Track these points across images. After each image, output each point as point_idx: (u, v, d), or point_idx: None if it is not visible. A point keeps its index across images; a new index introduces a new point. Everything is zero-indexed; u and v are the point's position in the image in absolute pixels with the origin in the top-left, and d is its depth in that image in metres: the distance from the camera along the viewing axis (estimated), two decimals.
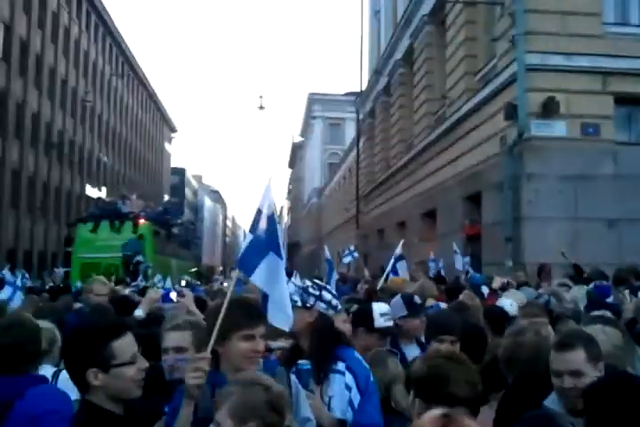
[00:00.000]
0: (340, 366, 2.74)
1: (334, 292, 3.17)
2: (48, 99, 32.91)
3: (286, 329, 2.67)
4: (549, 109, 10.37)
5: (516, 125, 10.59)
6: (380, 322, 3.34)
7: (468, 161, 12.99)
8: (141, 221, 15.72)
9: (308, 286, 2.99)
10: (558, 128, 10.54)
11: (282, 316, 2.53)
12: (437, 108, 16.26)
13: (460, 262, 9.71)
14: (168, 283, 9.66)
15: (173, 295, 4.79)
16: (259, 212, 2.46)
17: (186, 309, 4.26)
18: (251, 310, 2.29)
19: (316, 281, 3.22)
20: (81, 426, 1.96)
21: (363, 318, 3.41)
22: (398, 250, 7.53)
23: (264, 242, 2.42)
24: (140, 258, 12.76)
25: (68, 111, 35.90)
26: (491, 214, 11.69)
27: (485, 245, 12.01)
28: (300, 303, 2.85)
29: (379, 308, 3.43)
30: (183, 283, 11.99)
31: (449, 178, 14.25)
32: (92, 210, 17.90)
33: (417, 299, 3.91)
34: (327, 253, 8.55)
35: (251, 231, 2.45)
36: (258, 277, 2.44)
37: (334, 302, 3.01)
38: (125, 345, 2.01)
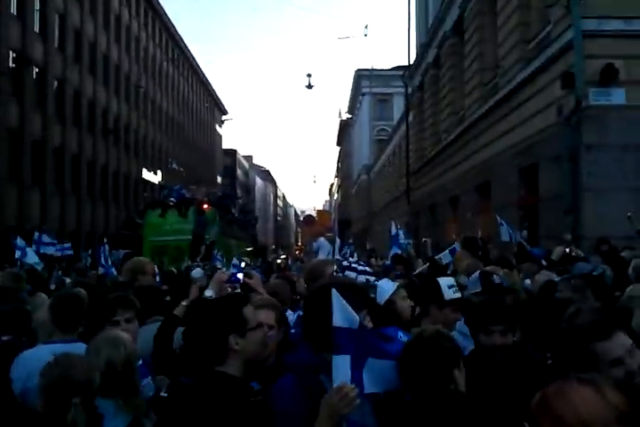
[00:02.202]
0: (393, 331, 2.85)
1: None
2: (103, 85, 33.76)
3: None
4: (608, 77, 10.00)
5: (573, 94, 10.27)
6: (449, 294, 3.25)
7: (523, 132, 12.70)
8: (205, 206, 16.46)
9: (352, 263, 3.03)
10: (617, 96, 10.16)
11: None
12: (489, 78, 15.89)
13: (506, 234, 9.27)
14: (235, 262, 9.91)
15: (241, 276, 4.92)
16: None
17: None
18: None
19: (356, 260, 3.34)
20: (220, 398, 2.07)
21: (431, 294, 3.31)
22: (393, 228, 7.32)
23: None
24: (211, 239, 13.48)
25: (123, 97, 36.75)
26: (548, 187, 11.45)
27: (543, 218, 11.79)
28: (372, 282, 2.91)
29: (444, 281, 3.35)
30: (243, 264, 12.35)
31: (503, 150, 13.98)
32: (158, 196, 18.91)
33: (496, 278, 3.89)
34: (393, 228, 8.50)
35: None
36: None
37: (372, 278, 3.12)
38: (251, 312, 2.30)
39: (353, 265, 4.14)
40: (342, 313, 2.05)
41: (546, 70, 11.56)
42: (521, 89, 12.82)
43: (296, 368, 2.26)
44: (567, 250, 6.88)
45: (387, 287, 3.46)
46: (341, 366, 2.02)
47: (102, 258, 7.80)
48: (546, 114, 11.45)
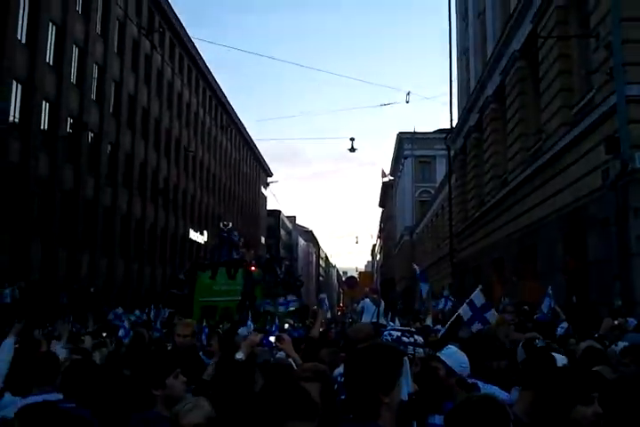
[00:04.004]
0: (438, 419, 2.64)
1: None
2: (154, 149, 35.21)
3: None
4: None
5: (618, 158, 10.21)
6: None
7: (569, 196, 12.57)
8: (253, 268, 16.78)
9: (399, 337, 2.88)
10: None
11: None
12: (532, 143, 15.95)
13: (547, 306, 8.74)
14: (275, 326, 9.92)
15: (273, 339, 4.92)
16: None
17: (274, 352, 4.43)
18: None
19: (402, 328, 3.24)
20: None
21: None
22: (479, 298, 6.11)
23: None
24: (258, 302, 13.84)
25: (173, 160, 38.20)
26: (596, 252, 11.20)
27: (592, 284, 11.47)
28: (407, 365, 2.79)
29: None
30: (286, 326, 12.35)
31: (548, 214, 13.82)
32: (204, 256, 19.60)
33: (539, 342, 3.86)
34: (480, 299, 6.36)
35: None
36: None
37: (421, 341, 3.00)
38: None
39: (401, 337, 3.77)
40: (407, 382, 2.01)
41: (590, 135, 11.56)
42: (565, 153, 12.81)
43: None
44: (616, 322, 6.62)
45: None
46: None
47: (158, 322, 7.99)
48: (591, 178, 11.37)
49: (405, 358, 2.29)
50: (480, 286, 6.77)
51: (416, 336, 2.94)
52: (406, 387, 1.95)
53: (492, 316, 5.99)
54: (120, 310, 12.98)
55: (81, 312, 14.77)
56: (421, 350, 2.88)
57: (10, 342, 4.79)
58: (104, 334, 9.50)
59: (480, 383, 3.26)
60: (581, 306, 10.86)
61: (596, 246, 11.23)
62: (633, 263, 9.88)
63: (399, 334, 2.89)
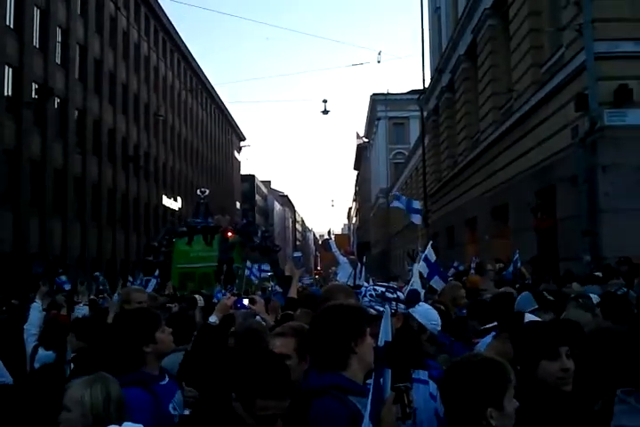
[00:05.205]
0: (422, 374, 2.66)
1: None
2: (122, 114, 34.44)
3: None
4: (622, 98, 10.03)
5: (587, 116, 10.29)
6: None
7: (539, 155, 12.70)
8: (229, 233, 16.80)
9: (383, 292, 2.88)
10: (633, 116, 10.16)
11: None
12: (504, 102, 15.97)
13: (513, 267, 9.37)
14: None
15: (246, 302, 4.98)
16: None
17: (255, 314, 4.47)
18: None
19: (386, 284, 3.27)
20: None
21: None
22: (431, 254, 6.32)
23: None
24: (237, 264, 13.91)
25: (142, 125, 37.44)
26: (565, 208, 11.40)
27: (561, 240, 11.71)
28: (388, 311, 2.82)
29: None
30: (269, 290, 12.48)
31: (519, 173, 13.97)
32: (179, 223, 19.62)
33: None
34: (432, 255, 6.54)
35: None
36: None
37: (403, 297, 3.03)
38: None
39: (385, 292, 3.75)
40: (386, 330, 2.03)
41: (559, 93, 11.61)
42: (535, 112, 12.87)
43: (324, 391, 2.14)
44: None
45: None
46: (387, 382, 2.01)
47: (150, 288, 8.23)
48: (561, 136, 11.47)
49: (386, 307, 2.34)
50: (431, 242, 7.34)
51: (399, 293, 2.98)
52: (384, 335, 2.00)
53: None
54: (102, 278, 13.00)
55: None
56: (403, 306, 2.92)
57: (38, 304, 5.50)
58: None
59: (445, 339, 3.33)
60: (547, 261, 11.14)
61: (565, 203, 11.43)
62: (601, 219, 10.08)
63: (383, 289, 2.92)
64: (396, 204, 9.83)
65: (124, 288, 6.24)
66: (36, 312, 5.44)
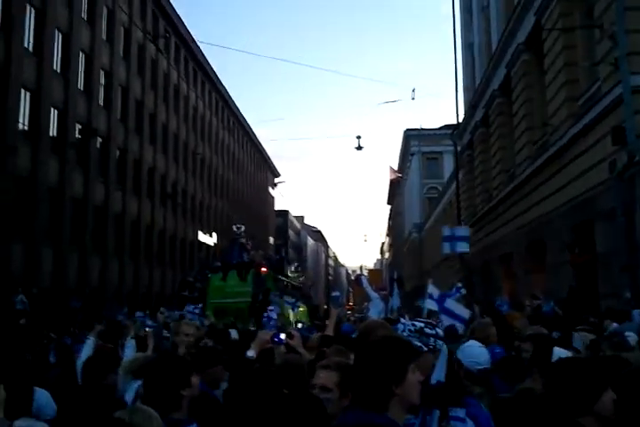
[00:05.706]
0: (460, 412, 2.61)
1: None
2: (162, 153, 35.35)
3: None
4: None
5: (625, 149, 10.17)
6: None
7: (576, 189, 12.53)
8: (263, 269, 16.93)
9: (422, 328, 2.87)
10: None
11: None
12: (539, 136, 15.90)
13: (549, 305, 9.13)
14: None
15: (283, 336, 4.98)
16: None
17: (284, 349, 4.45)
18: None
19: (426, 320, 3.24)
20: None
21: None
22: (434, 291, 6.41)
23: None
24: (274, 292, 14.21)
25: (181, 163, 38.33)
26: (604, 243, 11.16)
27: (600, 275, 11.43)
28: (425, 348, 2.72)
29: None
30: (299, 325, 12.43)
31: (556, 207, 13.78)
32: (219, 261, 19.86)
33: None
34: (435, 291, 6.71)
35: None
36: None
37: (441, 334, 2.99)
38: None
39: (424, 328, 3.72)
40: (440, 370, 2.00)
41: (596, 126, 11.52)
42: (571, 146, 12.76)
43: None
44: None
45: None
46: (434, 422, 1.99)
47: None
48: (598, 170, 11.33)
49: (444, 346, 2.31)
50: (431, 280, 7.35)
51: (437, 329, 2.94)
52: (438, 374, 1.98)
53: (454, 305, 6.25)
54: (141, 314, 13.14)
55: (93, 316, 14.87)
56: (442, 342, 2.88)
57: (91, 341, 5.50)
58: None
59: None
60: (591, 299, 10.85)
61: (604, 238, 11.19)
62: None
63: (422, 325, 2.89)
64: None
65: (175, 322, 6.40)
66: (89, 349, 5.45)
